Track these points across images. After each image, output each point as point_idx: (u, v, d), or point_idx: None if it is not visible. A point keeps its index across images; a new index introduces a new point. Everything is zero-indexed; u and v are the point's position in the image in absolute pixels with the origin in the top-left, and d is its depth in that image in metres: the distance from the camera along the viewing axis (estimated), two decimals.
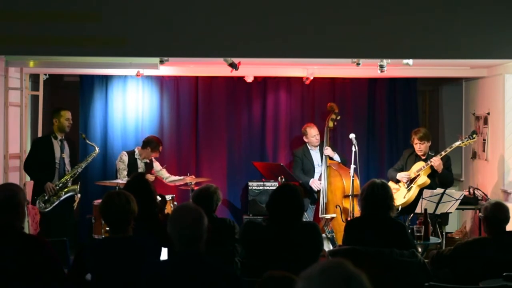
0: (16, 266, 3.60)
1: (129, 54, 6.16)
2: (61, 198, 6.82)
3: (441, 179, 7.07)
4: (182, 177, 7.88)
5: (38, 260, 3.63)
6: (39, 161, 6.79)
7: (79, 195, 7.00)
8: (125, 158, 7.71)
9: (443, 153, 7.08)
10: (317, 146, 7.92)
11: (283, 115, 8.76)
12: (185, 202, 4.18)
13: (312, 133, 7.87)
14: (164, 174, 7.98)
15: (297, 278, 1.87)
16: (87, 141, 7.22)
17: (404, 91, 8.83)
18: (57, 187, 6.81)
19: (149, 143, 7.78)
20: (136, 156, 7.78)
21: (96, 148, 7.17)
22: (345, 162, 7.76)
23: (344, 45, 5.83)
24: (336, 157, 7.86)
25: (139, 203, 4.05)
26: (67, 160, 6.94)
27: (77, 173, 6.98)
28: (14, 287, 3.61)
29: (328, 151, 7.76)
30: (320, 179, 7.75)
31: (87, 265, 3.77)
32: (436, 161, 7.00)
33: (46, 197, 6.76)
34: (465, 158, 8.78)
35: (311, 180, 7.72)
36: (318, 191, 7.70)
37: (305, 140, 7.95)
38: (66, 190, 6.86)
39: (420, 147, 7.24)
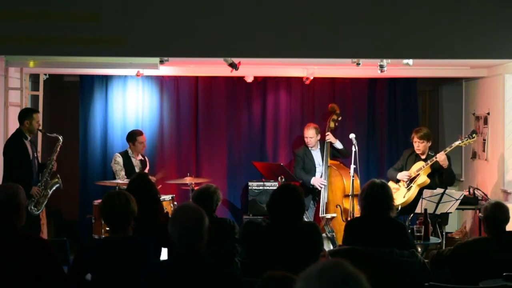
0: (16, 266, 3.60)
1: (129, 54, 6.16)
2: (48, 196, 7.02)
3: (446, 175, 7.06)
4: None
5: (38, 260, 3.63)
6: (18, 162, 6.80)
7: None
8: (119, 159, 7.68)
9: (443, 153, 7.08)
10: (317, 147, 7.94)
11: (283, 115, 8.76)
12: (186, 202, 4.15)
13: (306, 134, 7.88)
14: None
15: (297, 278, 1.87)
16: (48, 134, 7.21)
17: (404, 91, 8.82)
18: (41, 187, 6.96)
19: (129, 138, 7.76)
20: (130, 155, 7.77)
21: (60, 138, 7.19)
22: (347, 151, 7.76)
23: (344, 45, 5.83)
24: (338, 144, 7.88)
25: (140, 202, 4.05)
26: (36, 160, 7.03)
27: (52, 167, 7.08)
28: (14, 287, 3.61)
29: (330, 137, 7.79)
30: (321, 177, 7.77)
31: (87, 265, 3.77)
32: (441, 156, 6.99)
33: (35, 200, 6.88)
34: (465, 158, 8.79)
35: (313, 178, 7.73)
36: (319, 191, 7.72)
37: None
38: (50, 185, 7.03)
39: (419, 145, 7.23)
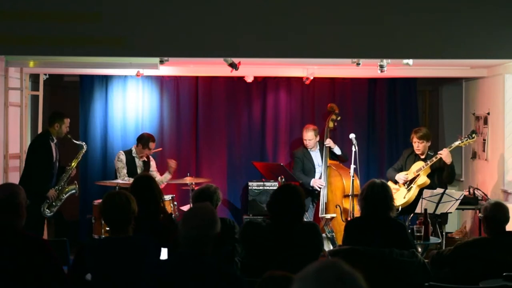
0: (16, 266, 3.59)
1: (129, 54, 6.16)
2: (63, 200, 7.07)
3: (448, 172, 7.06)
4: (163, 176, 7.78)
5: (38, 260, 3.63)
6: (40, 163, 6.81)
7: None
8: (123, 157, 7.68)
9: (447, 149, 7.08)
10: (316, 147, 7.93)
11: (283, 115, 8.76)
12: (203, 203, 4.05)
13: (305, 137, 7.87)
14: (156, 175, 7.82)
15: (294, 278, 1.87)
16: (74, 140, 7.23)
17: (404, 91, 8.82)
18: (57, 191, 7.01)
19: (140, 140, 7.75)
20: (134, 155, 7.76)
21: (84, 146, 7.24)
22: (346, 156, 7.77)
23: (344, 45, 5.83)
24: (337, 150, 7.88)
25: (141, 202, 4.04)
26: (57, 163, 7.06)
27: (71, 173, 7.13)
28: (14, 287, 3.61)
29: (329, 141, 7.80)
30: (320, 178, 7.76)
31: (87, 265, 3.78)
32: (445, 152, 7.00)
33: (49, 203, 6.94)
34: (465, 158, 8.78)
35: (313, 180, 7.73)
36: (318, 193, 7.71)
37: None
38: (66, 190, 7.08)
39: (418, 146, 7.24)
